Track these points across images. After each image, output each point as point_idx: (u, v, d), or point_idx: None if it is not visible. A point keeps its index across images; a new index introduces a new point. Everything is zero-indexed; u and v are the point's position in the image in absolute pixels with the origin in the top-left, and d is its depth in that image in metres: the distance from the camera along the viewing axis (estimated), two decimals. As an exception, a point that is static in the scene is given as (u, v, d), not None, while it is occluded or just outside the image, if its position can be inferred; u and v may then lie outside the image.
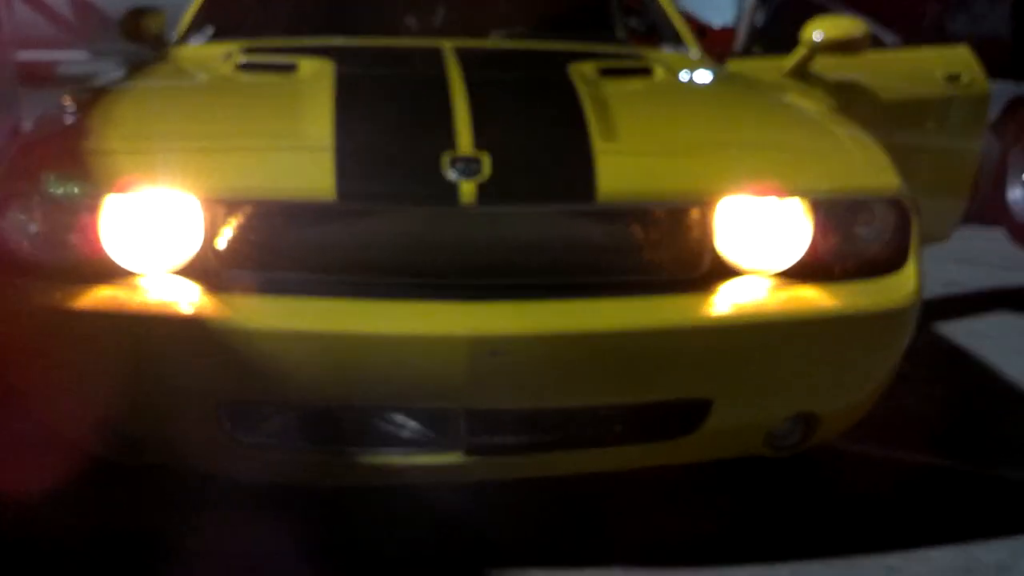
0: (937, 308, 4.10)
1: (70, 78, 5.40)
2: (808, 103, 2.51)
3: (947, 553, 2.23)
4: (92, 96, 2.29)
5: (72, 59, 5.86)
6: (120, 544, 2.18)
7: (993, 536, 2.30)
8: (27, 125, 5.32)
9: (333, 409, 2.00)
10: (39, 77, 5.45)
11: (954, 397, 3.23)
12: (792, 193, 2.00)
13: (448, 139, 1.94)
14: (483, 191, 1.87)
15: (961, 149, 3.67)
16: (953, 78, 3.55)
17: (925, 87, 3.51)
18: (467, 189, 1.87)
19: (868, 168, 2.10)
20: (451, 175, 1.88)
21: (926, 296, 2.12)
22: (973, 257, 5.18)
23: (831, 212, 2.03)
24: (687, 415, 2.03)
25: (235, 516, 2.25)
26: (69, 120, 2.17)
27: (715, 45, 3.64)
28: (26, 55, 5.49)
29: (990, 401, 3.24)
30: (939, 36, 3.82)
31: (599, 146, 1.96)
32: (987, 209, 5.81)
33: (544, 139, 2.02)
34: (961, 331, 3.90)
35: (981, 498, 2.51)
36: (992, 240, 5.73)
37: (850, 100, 3.22)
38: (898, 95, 3.43)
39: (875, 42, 3.32)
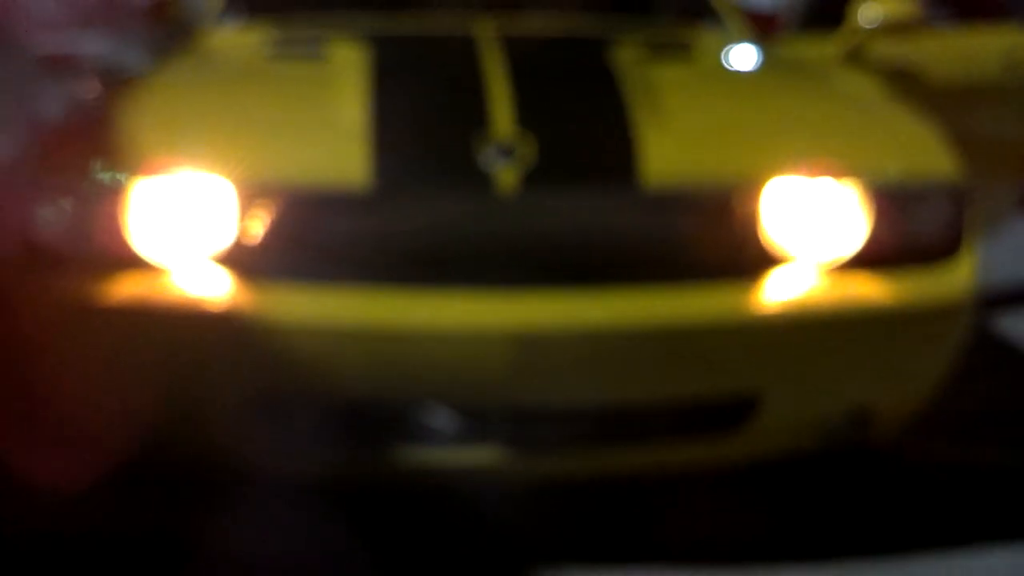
0: (991, 299, 3.99)
1: (95, 65, 5.42)
2: (860, 86, 2.43)
3: (1007, 553, 2.14)
4: (122, 85, 2.28)
5: (97, 46, 5.89)
6: (145, 544, 2.15)
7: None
8: (49, 114, 5.36)
9: (369, 404, 1.95)
10: (62, 65, 5.47)
11: (1013, 392, 3.12)
12: (847, 174, 1.93)
13: (486, 126, 1.89)
14: (524, 177, 1.83)
15: (1017, 136, 3.57)
16: (1010, 61, 3.44)
17: (980, 71, 3.41)
18: (506, 177, 1.83)
19: (926, 153, 2.03)
20: (489, 162, 1.84)
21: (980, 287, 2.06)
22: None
23: (888, 198, 1.95)
24: (735, 410, 1.97)
25: (261, 517, 2.20)
26: (99, 109, 2.16)
27: (759, 29, 3.56)
28: (49, 42, 5.52)
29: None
30: (997, 11, 3.70)
31: (645, 131, 1.90)
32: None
33: (587, 125, 1.97)
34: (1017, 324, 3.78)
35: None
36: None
37: (902, 84, 3.13)
38: (952, 79, 3.34)
39: (928, 22, 3.23)
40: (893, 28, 2.90)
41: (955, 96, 3.36)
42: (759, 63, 2.71)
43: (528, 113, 1.92)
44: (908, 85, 3.19)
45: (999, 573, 2.09)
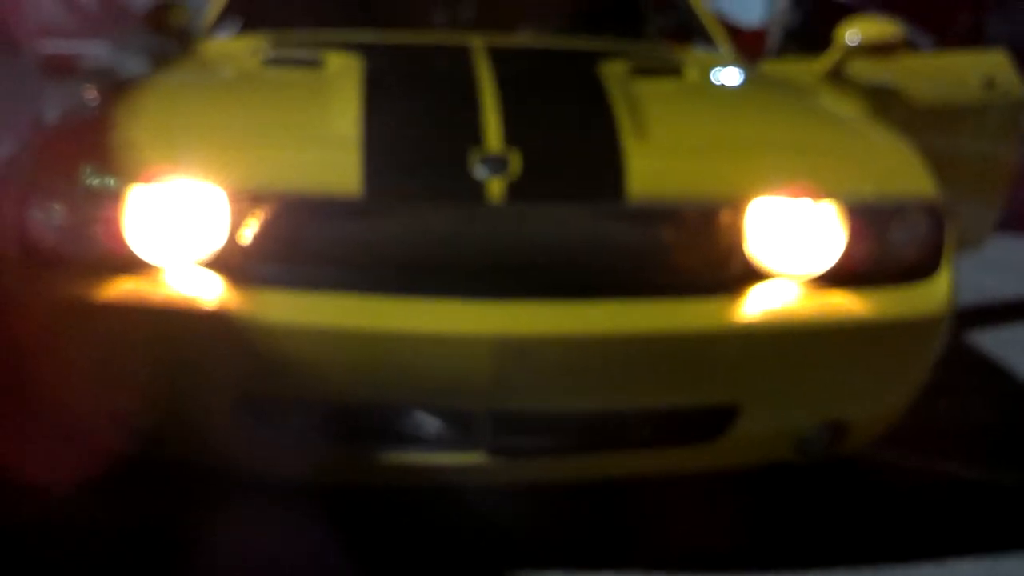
0: (968, 316, 4.03)
1: (93, 70, 5.45)
2: (842, 106, 2.48)
3: (977, 566, 2.19)
4: (118, 90, 2.29)
5: (96, 51, 5.91)
6: (136, 539, 2.17)
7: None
8: (50, 116, 5.37)
9: (355, 407, 1.98)
10: (63, 69, 5.50)
11: (985, 407, 3.18)
12: (826, 196, 1.97)
13: (476, 137, 1.92)
14: (511, 190, 1.86)
15: (996, 155, 3.63)
16: (989, 83, 3.50)
17: (960, 92, 3.46)
18: (495, 188, 1.86)
19: (903, 172, 2.07)
20: (479, 173, 1.87)
21: (957, 304, 2.09)
22: (1005, 264, 5.12)
23: (865, 216, 1.99)
24: (714, 420, 2.00)
25: (255, 511, 2.23)
26: (95, 114, 2.17)
27: (746, 46, 3.61)
28: (50, 46, 5.54)
29: (1021, 412, 3.19)
30: (976, 39, 3.77)
31: (630, 146, 1.94)
32: (1020, 215, 5.74)
33: (574, 138, 2.00)
34: (992, 340, 3.85)
35: (1011, 511, 2.46)
36: (1024, 248, 5.66)
37: (884, 104, 3.18)
38: (932, 100, 3.39)
39: (910, 46, 3.28)
40: (876, 49, 2.95)
41: (936, 115, 3.41)
42: (744, 82, 2.75)
43: (517, 126, 1.95)
44: (890, 104, 3.25)
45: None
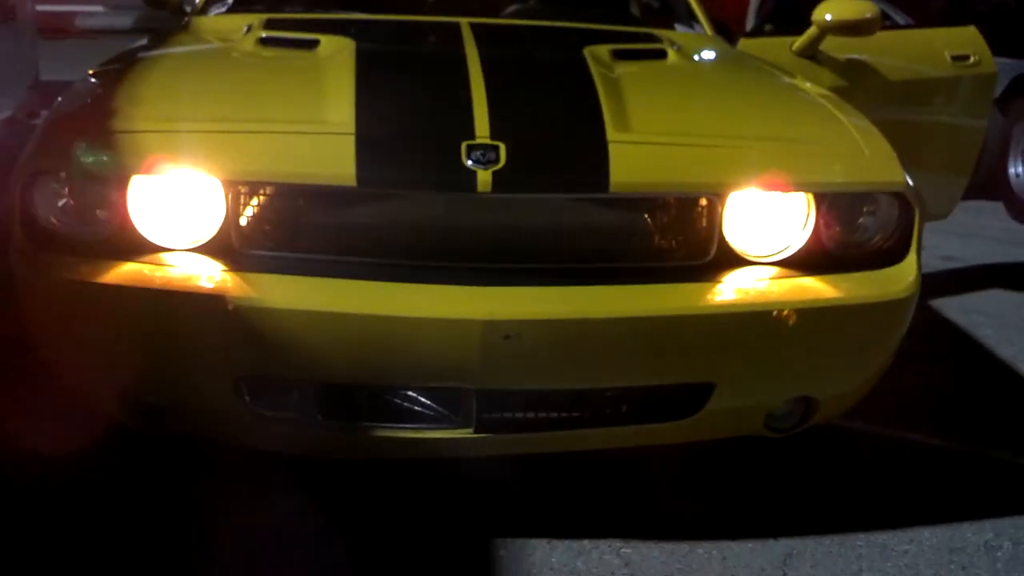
0: (935, 283, 4.13)
1: (88, 30, 5.42)
2: (816, 89, 2.53)
3: (937, 532, 2.30)
4: (117, 71, 2.31)
5: (90, 11, 5.88)
6: (143, 508, 2.25)
7: (981, 516, 2.37)
8: (45, 76, 5.34)
9: (349, 386, 2.06)
10: (58, 29, 5.48)
11: (949, 375, 3.29)
12: (798, 188, 2.05)
13: (466, 127, 1.97)
14: (498, 179, 1.91)
15: (966, 128, 3.71)
16: (960, 58, 3.57)
17: (933, 67, 3.53)
18: (483, 177, 1.91)
19: (874, 162, 2.14)
20: (469, 163, 1.92)
21: (924, 271, 2.17)
22: (972, 231, 5.22)
23: (836, 205, 2.08)
24: (690, 397, 2.10)
25: (254, 481, 2.31)
26: (96, 97, 2.20)
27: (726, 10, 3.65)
28: (45, 7, 5.51)
29: (984, 380, 3.31)
30: (951, 15, 3.81)
31: (613, 136, 2.00)
32: (988, 183, 5.84)
33: (559, 128, 2.05)
34: (959, 307, 3.96)
35: (971, 477, 2.58)
36: (992, 215, 5.76)
37: (858, 79, 3.25)
38: (906, 75, 3.46)
39: (886, 21, 3.34)
40: (852, 27, 3.00)
41: (909, 90, 3.48)
42: (724, 65, 2.80)
43: (504, 117, 2.00)
44: (864, 79, 3.31)
45: (927, 549, 2.25)
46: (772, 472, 2.54)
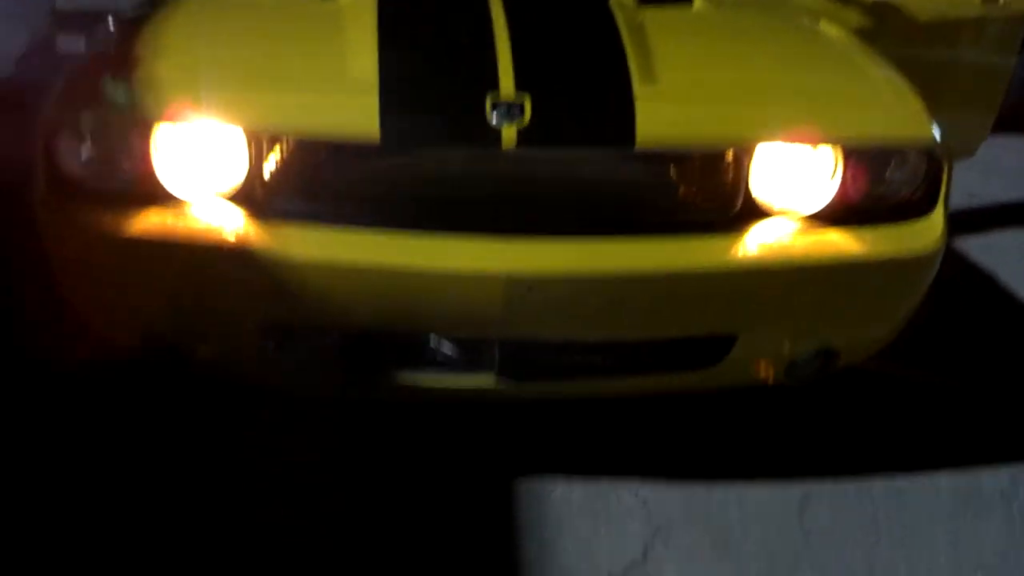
0: (956, 220, 4.09)
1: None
2: (846, 37, 2.48)
3: (954, 477, 2.33)
4: (140, 22, 2.29)
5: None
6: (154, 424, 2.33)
7: (998, 462, 2.40)
8: (60, 7, 5.28)
9: (371, 334, 2.08)
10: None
11: (967, 316, 3.26)
12: (828, 140, 2.03)
13: (491, 81, 1.95)
14: (523, 135, 1.90)
15: (995, 68, 3.64)
16: (991, -5, 3.50)
17: (962, 6, 3.46)
18: (508, 134, 1.90)
19: (903, 117, 2.11)
20: (493, 119, 1.90)
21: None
22: (994, 168, 5.15)
23: (863, 159, 2.05)
24: (711, 348, 2.11)
25: (275, 423, 2.36)
26: (119, 48, 2.18)
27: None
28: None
29: (1002, 321, 3.29)
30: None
31: (639, 91, 1.97)
32: (1012, 118, 5.73)
33: (584, 82, 2.02)
34: (978, 245, 3.91)
35: (988, 421, 2.59)
36: (1015, 150, 5.67)
37: (886, 20, 3.19)
38: (933, 15, 3.39)
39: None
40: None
41: (937, 29, 3.41)
42: (751, 12, 2.71)
43: (529, 70, 1.98)
44: (892, 19, 3.25)
45: (943, 494, 2.29)
46: (790, 415, 2.56)
